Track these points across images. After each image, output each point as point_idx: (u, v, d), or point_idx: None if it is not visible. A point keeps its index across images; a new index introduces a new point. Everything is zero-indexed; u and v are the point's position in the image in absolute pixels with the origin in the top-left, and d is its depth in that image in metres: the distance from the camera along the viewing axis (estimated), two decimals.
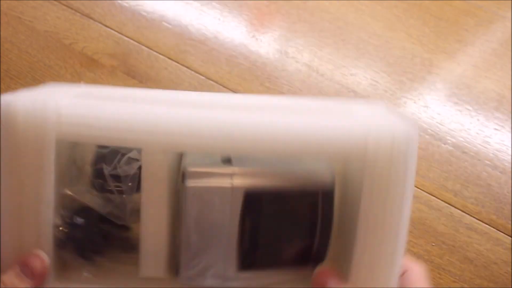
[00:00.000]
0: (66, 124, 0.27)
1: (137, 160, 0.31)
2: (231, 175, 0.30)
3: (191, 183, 0.29)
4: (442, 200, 0.52)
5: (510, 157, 0.55)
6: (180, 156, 0.32)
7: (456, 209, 0.52)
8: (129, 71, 0.58)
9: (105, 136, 0.28)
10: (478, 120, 0.58)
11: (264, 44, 0.62)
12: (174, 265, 0.31)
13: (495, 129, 0.57)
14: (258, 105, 0.33)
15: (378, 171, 0.28)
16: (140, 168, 0.31)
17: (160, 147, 0.28)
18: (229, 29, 0.62)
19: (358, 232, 0.28)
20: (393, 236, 0.28)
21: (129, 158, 0.32)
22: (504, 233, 0.51)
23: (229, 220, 0.30)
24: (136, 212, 0.31)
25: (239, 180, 0.30)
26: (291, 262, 0.31)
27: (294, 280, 0.31)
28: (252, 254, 0.31)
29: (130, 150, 0.32)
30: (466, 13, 0.66)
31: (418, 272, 0.31)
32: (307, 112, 0.32)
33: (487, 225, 0.51)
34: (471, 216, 0.52)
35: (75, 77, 0.57)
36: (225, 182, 0.29)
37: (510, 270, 0.49)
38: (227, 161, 0.30)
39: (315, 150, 0.28)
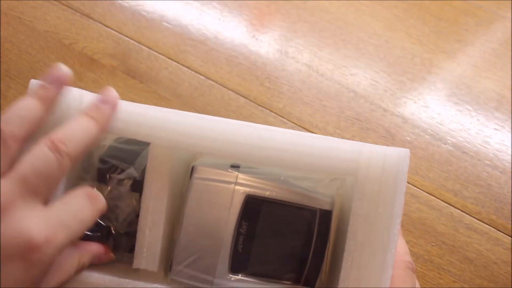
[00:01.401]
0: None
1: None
2: (235, 179, 0.31)
3: (197, 178, 0.31)
4: (442, 200, 0.52)
5: (510, 157, 0.55)
6: (192, 158, 0.34)
7: (456, 209, 0.52)
8: (129, 71, 0.58)
9: (119, 127, 0.30)
10: (478, 120, 0.58)
11: (264, 44, 0.62)
12: (169, 261, 0.32)
13: (495, 129, 0.57)
14: (263, 126, 0.35)
15: (368, 188, 0.29)
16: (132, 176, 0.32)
17: (166, 143, 0.30)
18: (229, 29, 0.62)
19: (346, 249, 0.29)
20: (381, 255, 0.29)
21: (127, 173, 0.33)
22: (504, 233, 0.51)
23: (227, 221, 0.31)
24: (125, 218, 0.32)
25: (242, 185, 0.31)
26: (283, 275, 0.32)
27: None
28: (245, 258, 0.31)
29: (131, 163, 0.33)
30: (466, 13, 0.66)
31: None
32: (309, 135, 0.33)
33: (487, 225, 0.51)
34: (471, 216, 0.52)
35: (75, 77, 0.57)
36: (229, 184, 0.31)
37: (510, 270, 0.49)
38: (236, 167, 0.32)
39: (311, 161, 0.29)
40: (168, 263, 0.32)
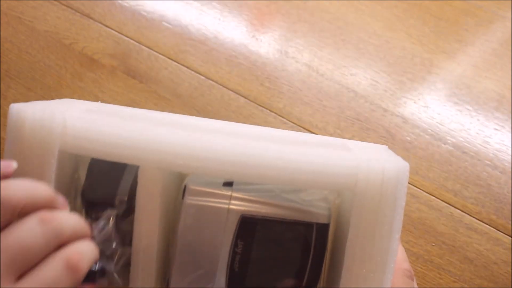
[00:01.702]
0: (70, 136, 0.28)
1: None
2: (229, 198, 0.30)
3: (189, 199, 0.30)
4: (442, 200, 0.52)
5: (510, 157, 0.55)
6: (183, 176, 0.33)
7: (456, 209, 0.52)
8: (129, 71, 0.58)
9: (105, 151, 0.28)
10: (478, 120, 0.58)
11: (264, 44, 0.62)
12: (165, 281, 0.32)
13: (495, 129, 0.57)
14: (258, 134, 0.34)
15: (367, 204, 0.28)
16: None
17: (156, 165, 0.29)
18: (229, 29, 0.62)
19: (344, 264, 0.28)
20: (380, 269, 0.28)
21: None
22: (504, 233, 0.51)
23: (222, 240, 0.30)
24: (119, 255, 0.32)
25: (237, 204, 0.30)
26: None
27: None
28: (242, 277, 0.31)
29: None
30: (466, 13, 0.66)
31: None
32: (304, 144, 0.33)
33: (487, 225, 0.51)
34: (471, 216, 0.52)
35: (75, 77, 0.57)
36: (223, 204, 0.30)
37: (510, 270, 0.49)
38: (229, 184, 0.31)
39: (308, 178, 0.28)
40: (164, 283, 0.32)
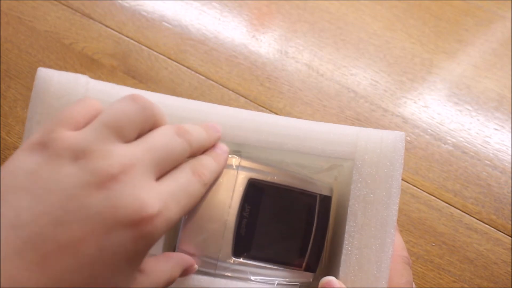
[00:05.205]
0: (92, 97, 0.30)
1: None
2: (238, 164, 0.32)
3: None
4: (442, 200, 0.52)
5: (510, 157, 0.55)
6: None
7: (456, 209, 0.52)
8: (129, 71, 0.58)
9: None
10: (478, 120, 0.58)
11: (264, 44, 0.62)
12: (172, 245, 0.33)
13: (495, 129, 0.57)
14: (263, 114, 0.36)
15: (366, 171, 0.30)
16: None
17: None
18: (229, 29, 0.62)
19: (346, 231, 0.30)
20: (380, 234, 0.29)
21: None
22: (504, 233, 0.51)
23: (230, 204, 0.31)
24: None
25: (245, 168, 0.32)
26: (285, 259, 0.32)
27: (287, 277, 0.32)
28: (248, 242, 0.32)
29: None
30: (466, 13, 0.66)
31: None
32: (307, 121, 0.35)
33: (487, 225, 0.51)
34: (471, 216, 0.52)
35: None
36: (232, 168, 0.32)
37: (510, 270, 0.49)
38: (237, 152, 0.33)
39: (311, 145, 0.31)
40: (171, 248, 0.33)
